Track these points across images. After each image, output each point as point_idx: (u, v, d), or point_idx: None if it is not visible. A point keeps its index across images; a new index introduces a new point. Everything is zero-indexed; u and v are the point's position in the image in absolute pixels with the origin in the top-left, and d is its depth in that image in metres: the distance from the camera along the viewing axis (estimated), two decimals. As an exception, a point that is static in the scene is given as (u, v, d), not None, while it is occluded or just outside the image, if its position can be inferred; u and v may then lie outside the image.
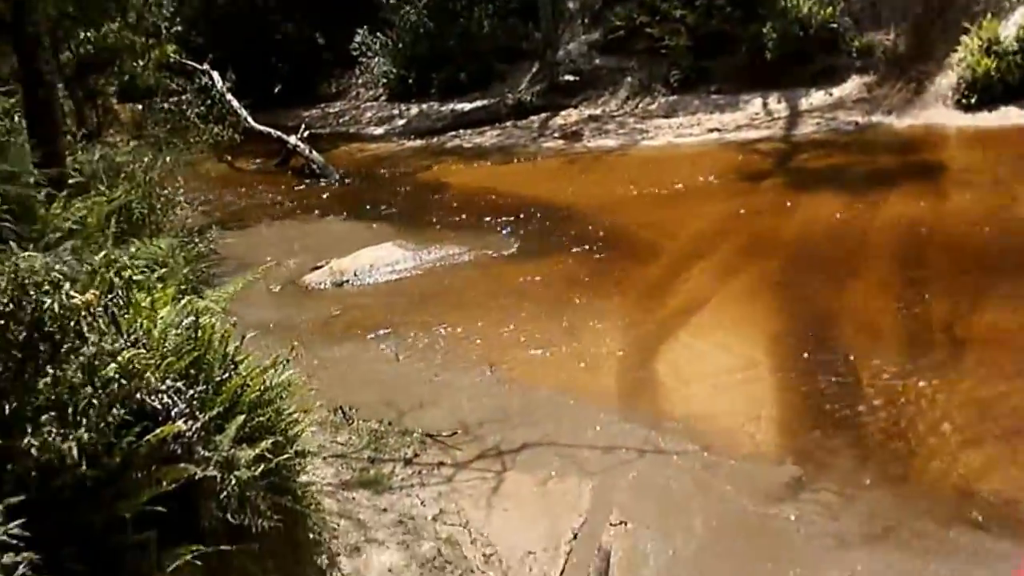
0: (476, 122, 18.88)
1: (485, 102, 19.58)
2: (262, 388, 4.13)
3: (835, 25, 16.33)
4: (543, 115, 18.36)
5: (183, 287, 5.41)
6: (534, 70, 19.80)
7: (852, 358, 6.97)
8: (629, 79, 18.33)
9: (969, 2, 15.62)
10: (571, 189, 13.29)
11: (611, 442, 6.03)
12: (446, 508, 5.21)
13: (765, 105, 16.13)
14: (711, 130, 15.64)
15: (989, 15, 14.70)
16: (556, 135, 17.24)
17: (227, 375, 4.01)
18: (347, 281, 10.13)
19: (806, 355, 7.12)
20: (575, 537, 5.00)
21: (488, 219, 12.00)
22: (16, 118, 7.51)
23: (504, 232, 11.40)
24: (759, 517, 5.14)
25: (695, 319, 8.17)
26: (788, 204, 11.33)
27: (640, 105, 17.58)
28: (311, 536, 4.39)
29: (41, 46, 7.43)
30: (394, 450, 5.95)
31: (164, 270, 5.74)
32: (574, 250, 10.44)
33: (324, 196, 14.88)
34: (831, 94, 15.85)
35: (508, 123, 18.45)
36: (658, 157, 14.74)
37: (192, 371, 3.89)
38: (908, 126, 14.24)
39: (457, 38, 20.79)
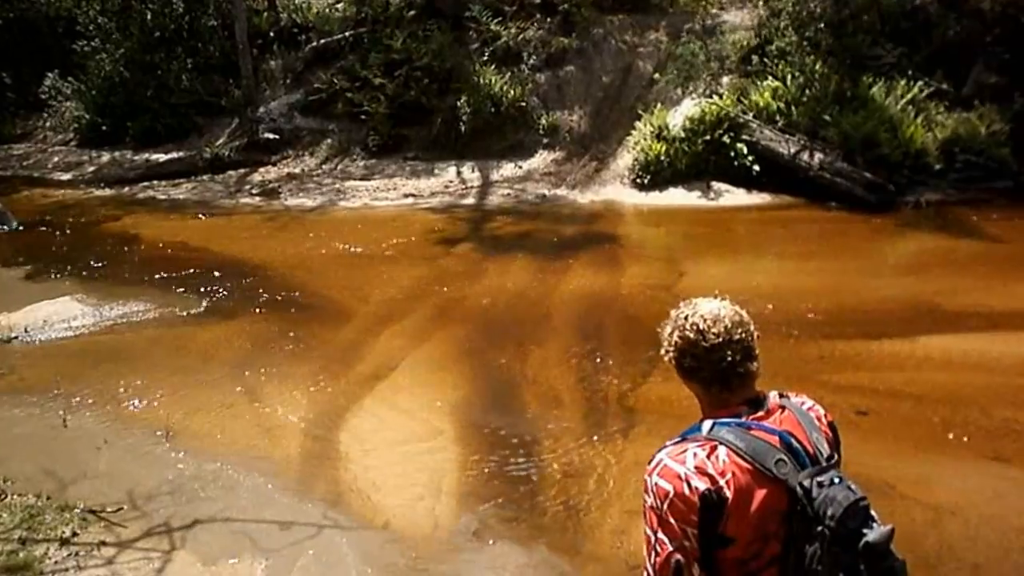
0: (172, 174, 18.28)
1: (181, 154, 19.01)
2: None
3: (524, 103, 17.32)
4: (241, 171, 18.05)
5: None
6: (234, 125, 19.41)
7: (533, 427, 7.20)
8: (329, 141, 18.40)
9: (643, 91, 17.08)
10: (266, 247, 13.11)
11: (288, 517, 5.89)
12: (101, 595, 4.87)
13: (459, 174, 16.70)
14: (407, 195, 15.98)
15: (660, 104, 16.13)
16: (254, 191, 16.96)
17: None
18: (16, 337, 9.62)
19: (489, 424, 7.30)
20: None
21: (177, 275, 11.62)
22: None
23: (193, 289, 11.03)
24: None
25: (382, 385, 8.18)
26: (478, 270, 11.70)
27: (339, 167, 17.66)
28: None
29: None
30: (50, 528, 5.55)
31: None
32: (264, 311, 10.29)
33: (-1, 244, 13.80)
34: (520, 167, 16.66)
35: (205, 176, 18.01)
36: (354, 219, 14.84)
37: None
38: (590, 201, 15.17)
39: (155, 89, 20.14)
